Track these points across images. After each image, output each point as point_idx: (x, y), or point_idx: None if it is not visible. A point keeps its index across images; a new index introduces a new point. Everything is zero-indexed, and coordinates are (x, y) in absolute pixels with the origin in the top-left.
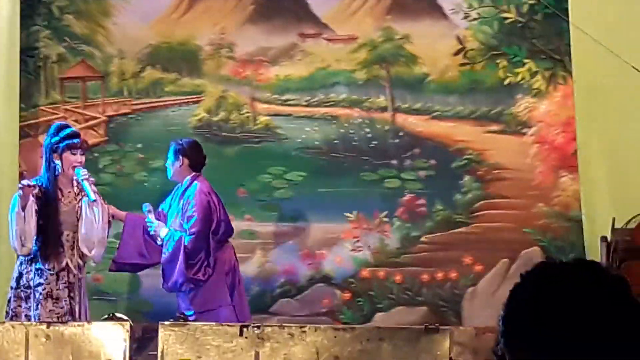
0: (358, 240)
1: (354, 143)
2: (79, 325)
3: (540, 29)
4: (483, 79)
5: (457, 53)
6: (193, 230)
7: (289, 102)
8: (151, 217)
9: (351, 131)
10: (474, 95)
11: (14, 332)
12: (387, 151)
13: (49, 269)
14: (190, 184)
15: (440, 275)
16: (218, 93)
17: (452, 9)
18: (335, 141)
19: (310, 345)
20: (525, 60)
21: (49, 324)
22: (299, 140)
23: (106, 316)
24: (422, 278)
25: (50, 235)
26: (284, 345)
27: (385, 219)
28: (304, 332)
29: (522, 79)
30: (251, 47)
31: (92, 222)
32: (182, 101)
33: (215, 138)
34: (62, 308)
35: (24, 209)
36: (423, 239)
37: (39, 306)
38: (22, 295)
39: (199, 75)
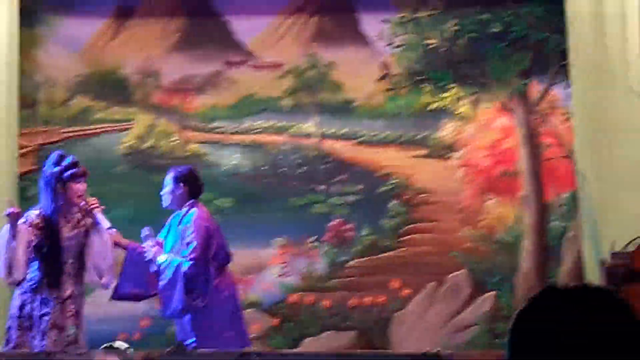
0: (286, 266)
1: (282, 169)
2: (78, 355)
3: (464, 54)
4: (408, 104)
5: (381, 79)
6: (192, 256)
7: (217, 130)
8: (150, 242)
9: (279, 157)
10: (400, 121)
11: None
12: (314, 177)
13: (55, 298)
14: (189, 210)
15: (368, 299)
16: (148, 121)
17: (376, 36)
18: (264, 167)
19: None
20: (450, 85)
21: (49, 353)
22: (228, 167)
23: (105, 345)
24: (351, 302)
25: (55, 264)
26: None
27: (314, 244)
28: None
29: (447, 103)
30: (178, 75)
31: (101, 250)
32: (111, 129)
33: (144, 165)
34: (68, 337)
35: (14, 237)
36: (351, 263)
37: (45, 336)
38: (25, 324)
39: (128, 103)
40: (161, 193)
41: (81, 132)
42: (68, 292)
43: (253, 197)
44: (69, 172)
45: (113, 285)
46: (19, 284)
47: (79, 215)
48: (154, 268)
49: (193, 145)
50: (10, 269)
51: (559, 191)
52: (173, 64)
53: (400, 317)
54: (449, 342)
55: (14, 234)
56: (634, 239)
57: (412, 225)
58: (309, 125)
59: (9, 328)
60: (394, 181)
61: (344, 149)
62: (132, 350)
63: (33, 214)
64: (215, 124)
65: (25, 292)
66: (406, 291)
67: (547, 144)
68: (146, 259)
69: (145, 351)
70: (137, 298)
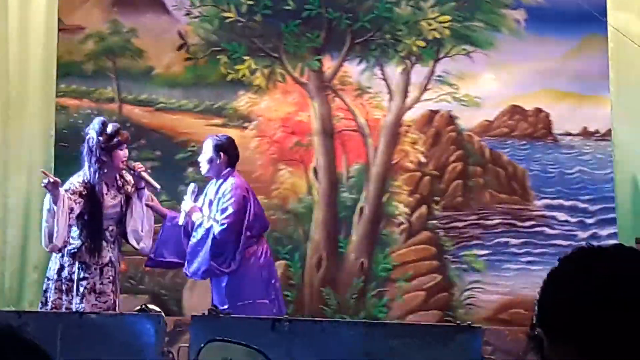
0: None
1: (83, 133)
2: (111, 316)
3: (259, 29)
4: (206, 74)
5: (180, 48)
6: (225, 221)
7: None
8: (191, 197)
9: (80, 121)
10: (198, 90)
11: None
12: None
13: (94, 264)
14: (226, 179)
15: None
16: None
17: (175, 5)
18: (65, 131)
19: (342, 342)
20: (245, 57)
21: (81, 314)
22: None
23: (138, 307)
24: (145, 267)
25: (96, 230)
26: (316, 340)
27: None
28: (336, 327)
29: (243, 75)
30: None
31: (141, 216)
32: None
33: None
34: (105, 302)
35: (55, 204)
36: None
37: (83, 300)
38: (63, 287)
39: None
40: (198, 160)
41: None
42: (107, 258)
43: (57, 160)
44: (114, 140)
45: (148, 250)
46: (59, 250)
47: (120, 182)
48: (184, 220)
49: None
50: (50, 236)
51: (350, 163)
52: None
53: (192, 283)
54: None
55: (55, 201)
56: None
57: None
58: (109, 90)
59: (46, 290)
60: (191, 149)
61: (143, 115)
62: (162, 314)
63: (76, 181)
64: None
65: (63, 256)
66: None
67: (338, 118)
68: (185, 231)
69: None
70: (172, 266)
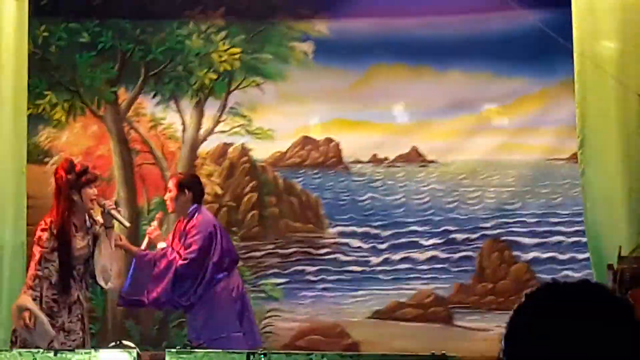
0: None
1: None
2: (86, 353)
3: (56, 61)
4: None
5: None
6: (188, 256)
7: None
8: (156, 224)
9: None
10: None
11: None
12: None
13: (62, 303)
14: (193, 216)
15: None
16: None
17: None
18: None
19: None
20: (46, 92)
21: (56, 351)
22: None
23: (113, 343)
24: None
25: (66, 271)
26: None
27: None
28: (311, 359)
29: (44, 110)
30: None
31: (109, 256)
32: None
33: None
34: (74, 341)
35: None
36: None
37: (53, 340)
38: (31, 327)
39: None
40: (165, 198)
41: None
42: (74, 297)
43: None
44: (83, 178)
45: (119, 290)
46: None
47: (89, 223)
48: (147, 246)
49: None
50: (31, 335)
51: (150, 197)
52: None
53: None
54: None
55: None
56: None
57: None
58: None
59: (15, 329)
60: None
61: None
62: (137, 350)
63: (45, 238)
64: None
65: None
66: None
67: (137, 151)
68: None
69: (152, 351)
70: (143, 304)
